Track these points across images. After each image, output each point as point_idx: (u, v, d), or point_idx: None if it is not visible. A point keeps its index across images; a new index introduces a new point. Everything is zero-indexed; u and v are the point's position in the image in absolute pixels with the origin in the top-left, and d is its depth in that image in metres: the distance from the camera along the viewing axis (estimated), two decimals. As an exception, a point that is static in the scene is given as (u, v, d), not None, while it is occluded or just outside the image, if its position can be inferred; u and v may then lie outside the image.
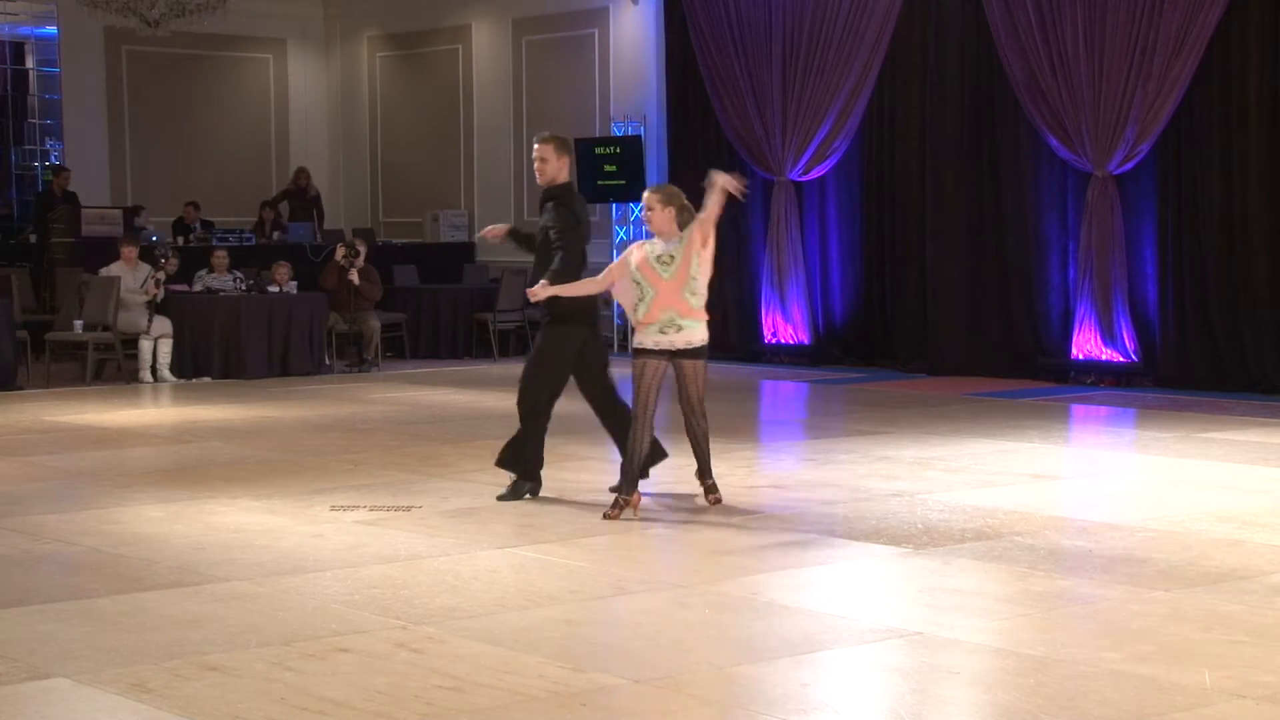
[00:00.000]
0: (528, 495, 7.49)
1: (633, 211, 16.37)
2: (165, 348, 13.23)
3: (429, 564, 6.16)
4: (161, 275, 13.49)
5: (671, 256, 7.01)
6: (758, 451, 9.69)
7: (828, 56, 14.19)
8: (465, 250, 18.04)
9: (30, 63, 21.86)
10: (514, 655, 4.85)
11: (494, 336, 15.29)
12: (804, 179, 14.63)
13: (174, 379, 13.20)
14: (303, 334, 13.77)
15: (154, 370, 13.18)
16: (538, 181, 7.48)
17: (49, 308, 15.20)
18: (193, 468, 8.66)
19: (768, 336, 14.80)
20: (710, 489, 7.37)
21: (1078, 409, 11.42)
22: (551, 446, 9.25)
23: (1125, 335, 12.47)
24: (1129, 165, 12.43)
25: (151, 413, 11.65)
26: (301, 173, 18.61)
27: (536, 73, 17.67)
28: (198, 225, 17.60)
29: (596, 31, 16.96)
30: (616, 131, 16.33)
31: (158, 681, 4.58)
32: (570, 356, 7.43)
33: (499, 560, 6.23)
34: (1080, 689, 4.51)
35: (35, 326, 13.75)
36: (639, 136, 16.03)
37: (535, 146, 7.47)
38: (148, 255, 13.92)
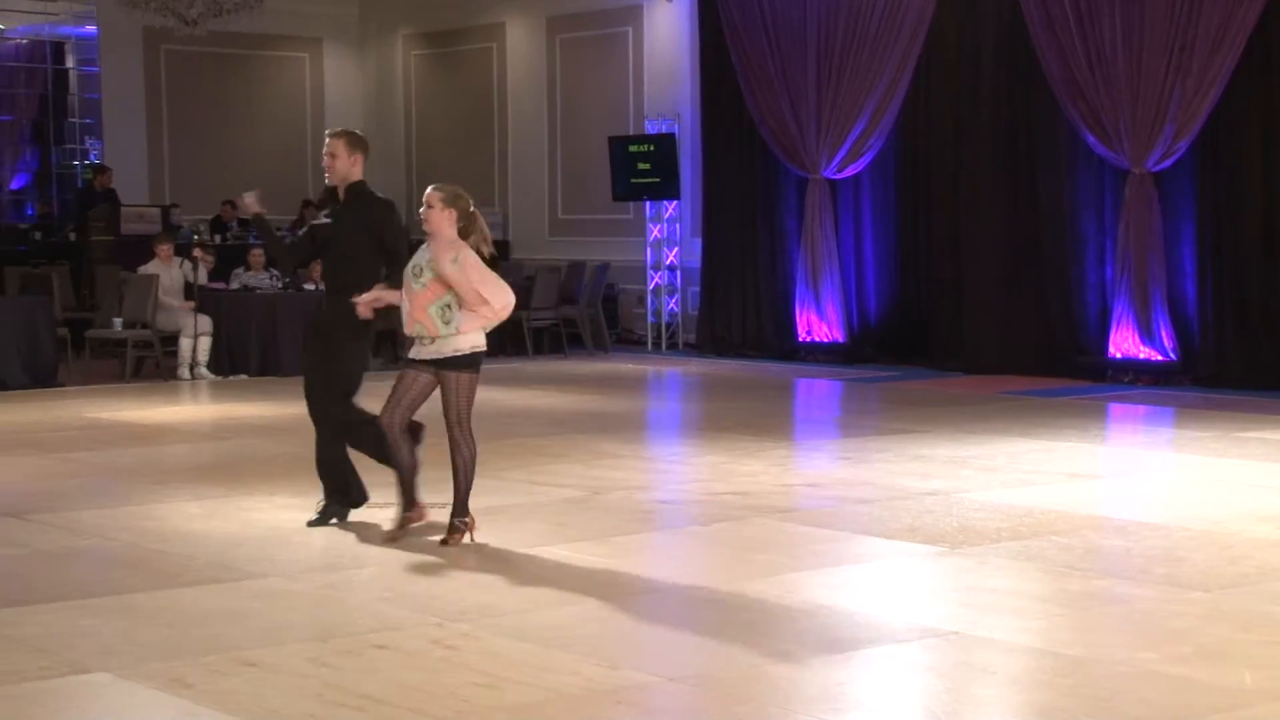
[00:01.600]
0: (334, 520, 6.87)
1: (667, 210, 16.38)
2: (204, 345, 13.31)
3: (463, 561, 6.17)
4: (198, 254, 13.50)
5: (422, 270, 6.36)
6: (792, 450, 9.68)
7: (862, 53, 14.15)
8: (500, 248, 18.00)
9: (70, 62, 22.02)
10: (548, 652, 4.86)
11: (528, 334, 15.31)
12: (838, 177, 14.59)
13: (211, 376, 13.28)
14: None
15: (191, 367, 13.27)
16: (327, 180, 6.88)
17: (89, 305, 15.31)
18: (230, 464, 8.71)
19: (802, 334, 14.77)
20: (453, 528, 6.43)
21: (1115, 408, 11.35)
22: (584, 444, 9.29)
23: (1163, 334, 12.38)
24: (1167, 163, 12.34)
25: (189, 409, 11.73)
26: None
27: (570, 71, 17.68)
28: (235, 224, 17.69)
29: (630, 29, 16.96)
30: (650, 130, 16.33)
31: (196, 677, 4.61)
32: (364, 372, 6.92)
33: (532, 558, 6.24)
34: (1118, 689, 4.48)
35: (75, 324, 13.85)
36: (673, 134, 16.02)
37: (326, 141, 6.84)
38: (184, 251, 14.02)
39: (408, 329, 6.46)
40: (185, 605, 5.50)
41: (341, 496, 6.92)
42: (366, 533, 6.72)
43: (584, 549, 6.38)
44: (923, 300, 14.31)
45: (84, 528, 6.87)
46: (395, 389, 6.48)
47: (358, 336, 6.84)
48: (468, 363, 6.43)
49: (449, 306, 6.34)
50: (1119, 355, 12.58)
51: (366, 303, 6.61)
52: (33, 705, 4.39)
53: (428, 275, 6.35)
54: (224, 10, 16.23)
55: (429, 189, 6.48)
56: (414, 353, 6.48)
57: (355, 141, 6.82)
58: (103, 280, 14.90)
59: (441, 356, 6.39)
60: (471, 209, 6.46)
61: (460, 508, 6.49)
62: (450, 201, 6.40)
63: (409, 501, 6.58)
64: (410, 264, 6.46)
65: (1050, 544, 6.43)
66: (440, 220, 6.36)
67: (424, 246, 6.46)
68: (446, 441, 6.51)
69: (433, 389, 6.46)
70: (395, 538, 6.48)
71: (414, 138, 19.64)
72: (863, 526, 6.87)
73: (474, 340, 6.45)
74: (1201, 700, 4.39)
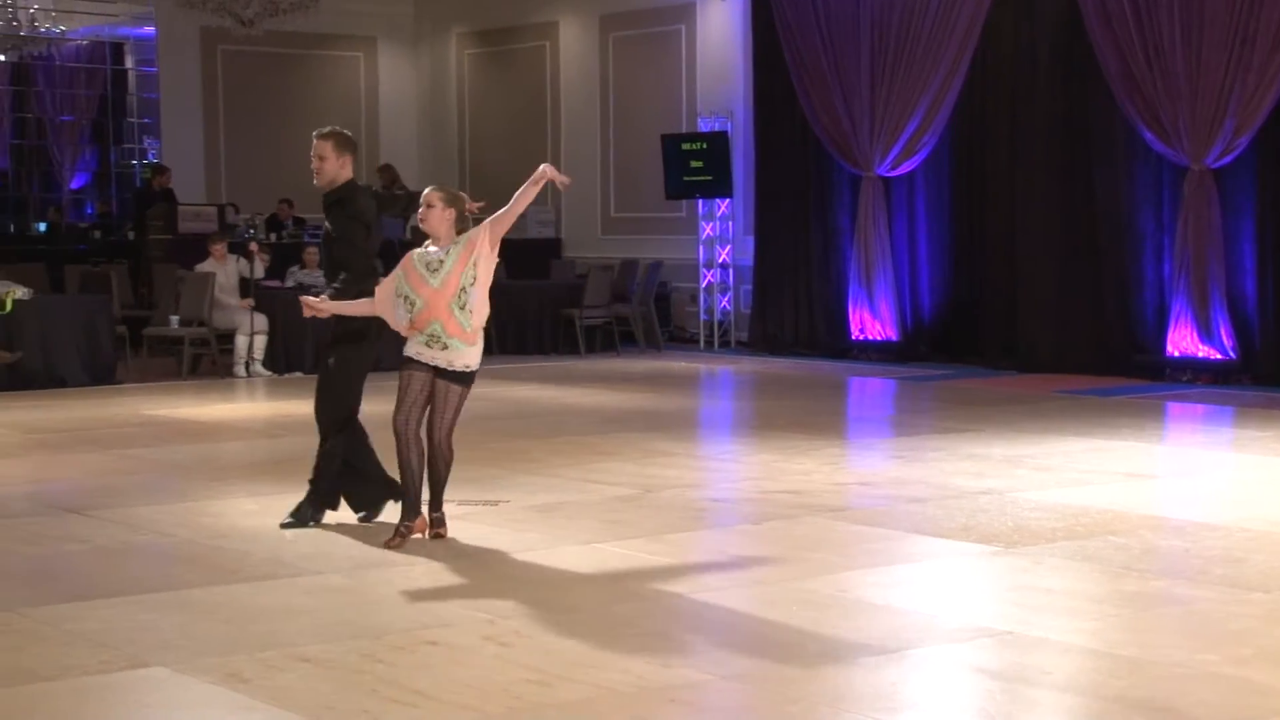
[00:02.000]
0: (312, 523, 6.76)
1: (719, 208, 16.36)
2: (260, 343, 13.44)
3: (515, 559, 6.19)
4: (253, 248, 13.59)
5: (441, 262, 6.28)
6: (845, 449, 9.64)
7: (917, 50, 14.07)
8: (552, 246, 18.12)
9: (129, 63, 22.31)
10: (600, 650, 4.86)
11: (580, 332, 15.35)
12: (892, 174, 14.52)
13: (267, 373, 13.40)
14: (392, 330, 13.88)
15: (247, 365, 13.39)
16: (315, 182, 6.75)
17: (147, 303, 15.49)
18: (285, 461, 8.76)
19: (855, 333, 14.71)
20: (436, 521, 6.48)
21: (1173, 407, 11.23)
22: (635, 443, 9.29)
23: (1223, 332, 12.23)
24: (1227, 159, 12.19)
25: (245, 407, 11.83)
26: (385, 170, 18.70)
27: (623, 69, 17.70)
28: (290, 222, 17.82)
29: (684, 27, 16.95)
30: (703, 128, 16.31)
31: (252, 672, 4.65)
32: (362, 376, 6.81)
33: (585, 556, 6.25)
34: (1176, 691, 4.43)
35: (133, 322, 14.03)
36: (725, 132, 16.00)
37: (314, 143, 6.71)
38: (238, 249, 14.15)
39: (416, 328, 6.31)
40: (241, 601, 5.55)
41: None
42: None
43: (636, 547, 6.39)
44: (977, 298, 14.21)
45: (142, 523, 6.95)
46: (404, 392, 6.36)
47: (357, 340, 6.75)
48: (470, 378, 6.41)
49: (465, 290, 6.27)
50: (1177, 354, 12.44)
51: (311, 304, 6.54)
52: (93, 699, 4.45)
53: (450, 262, 6.24)
54: (280, 10, 16.38)
55: (428, 189, 6.43)
56: (416, 353, 6.35)
57: (344, 142, 6.74)
58: (160, 279, 15.07)
59: (452, 369, 6.33)
60: (467, 212, 6.43)
61: (438, 503, 6.47)
62: (450, 202, 6.36)
63: (414, 510, 6.43)
64: (420, 262, 6.30)
65: (1106, 544, 6.37)
66: (440, 221, 6.31)
67: (426, 246, 6.37)
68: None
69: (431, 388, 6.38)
70: (395, 547, 6.29)
71: (467, 136, 19.72)
72: (916, 525, 6.83)
73: (478, 355, 6.40)
74: (1262, 703, 4.33)
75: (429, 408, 6.39)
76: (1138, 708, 4.29)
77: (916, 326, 14.61)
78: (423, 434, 6.44)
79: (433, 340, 6.31)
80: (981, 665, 4.75)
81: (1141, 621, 5.27)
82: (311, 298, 6.68)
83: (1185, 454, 9.37)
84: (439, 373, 6.35)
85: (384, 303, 6.46)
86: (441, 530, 6.51)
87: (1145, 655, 4.80)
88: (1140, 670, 4.64)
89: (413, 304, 6.31)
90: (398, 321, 6.43)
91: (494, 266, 6.34)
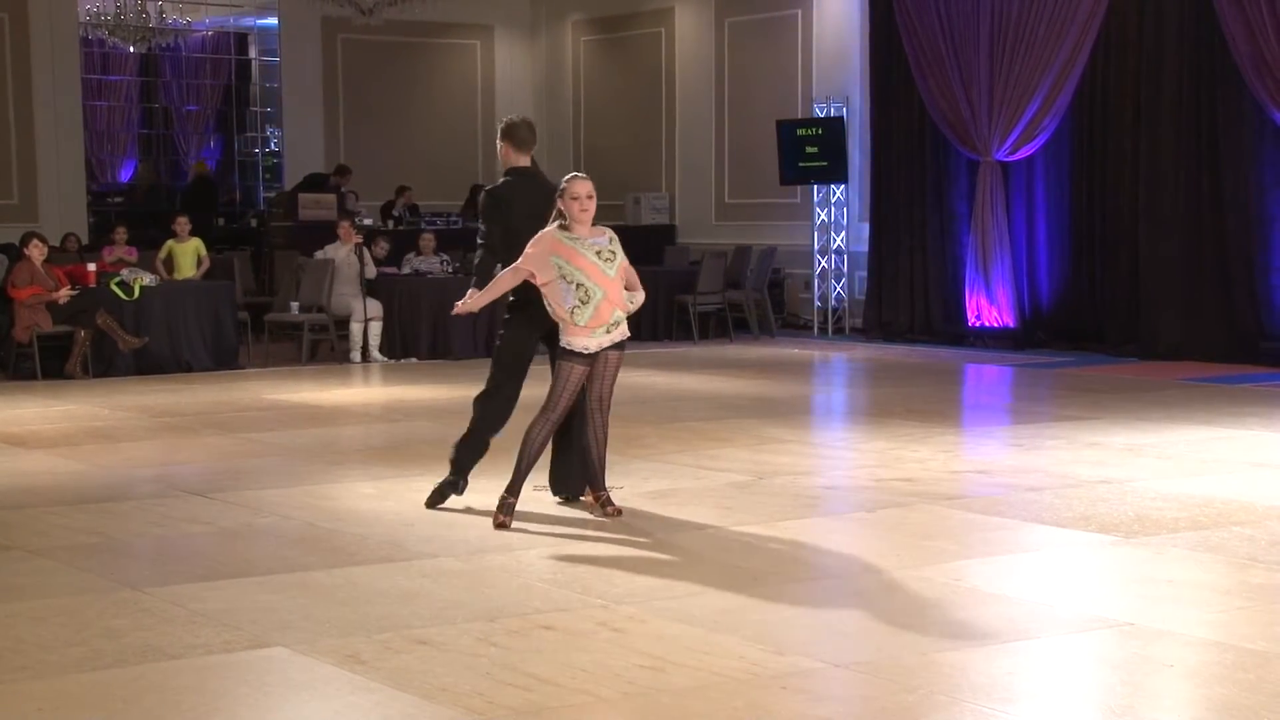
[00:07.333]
0: (453, 495, 6.98)
1: (834, 193, 16.24)
2: (375, 329, 13.63)
3: (629, 544, 6.21)
4: (375, 251, 13.81)
5: (614, 253, 6.44)
6: (961, 436, 9.52)
7: (1038, 32, 13.83)
8: (666, 232, 18.13)
9: (253, 52, 22.75)
10: (714, 636, 4.86)
11: (694, 318, 15.35)
12: (1010, 159, 14.30)
13: (383, 359, 13.59)
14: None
15: (364, 351, 13.59)
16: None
17: (268, 290, 15.79)
18: (401, 446, 8.90)
19: (972, 319, 14.53)
20: (606, 501, 6.72)
21: (1302, 395, 10.93)
22: (748, 429, 9.27)
23: (1355, 318, 11.90)
24: (1361, 140, 11.84)
25: (362, 392, 12.01)
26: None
27: (739, 55, 17.64)
28: (404, 210, 18.02)
29: (800, 12, 16.84)
30: (818, 113, 16.21)
31: (370, 653, 4.72)
32: (528, 348, 6.92)
33: (699, 541, 6.25)
34: (1303, 688, 4.32)
35: (255, 308, 14.31)
36: (841, 118, 15.88)
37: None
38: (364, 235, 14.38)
39: (600, 321, 6.40)
40: (359, 583, 5.64)
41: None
42: (535, 515, 6.80)
43: (749, 533, 6.38)
44: (1097, 284, 13.96)
45: (264, 506, 7.09)
46: (566, 384, 6.50)
47: (509, 312, 6.92)
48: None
49: (631, 299, 6.57)
50: (1307, 341, 12.12)
51: (460, 308, 6.78)
52: (216, 677, 4.55)
53: (620, 255, 6.45)
54: (399, -1, 16.61)
55: (584, 179, 6.49)
56: (598, 344, 6.45)
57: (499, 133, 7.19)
58: (281, 265, 15.35)
59: (626, 338, 6.55)
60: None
61: (602, 480, 6.73)
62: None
63: (601, 480, 6.72)
64: (593, 250, 6.39)
65: (1232, 535, 6.23)
66: (592, 213, 6.47)
67: (580, 238, 6.40)
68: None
69: None
70: (505, 526, 6.46)
71: (583, 123, 19.80)
72: (1034, 515, 6.74)
73: None
74: (1394, 701, 4.21)
75: (589, 382, 6.56)
76: (1264, 702, 4.18)
77: (1035, 313, 14.38)
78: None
79: (613, 327, 6.48)
80: (1101, 656, 4.67)
81: (1269, 614, 5.14)
82: (459, 302, 6.84)
83: (1315, 444, 9.11)
84: (608, 349, 6.52)
85: (552, 280, 6.40)
86: (617, 507, 6.69)
87: (1273, 649, 4.68)
88: (1268, 664, 4.53)
89: (588, 294, 6.36)
90: (562, 304, 6.40)
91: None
